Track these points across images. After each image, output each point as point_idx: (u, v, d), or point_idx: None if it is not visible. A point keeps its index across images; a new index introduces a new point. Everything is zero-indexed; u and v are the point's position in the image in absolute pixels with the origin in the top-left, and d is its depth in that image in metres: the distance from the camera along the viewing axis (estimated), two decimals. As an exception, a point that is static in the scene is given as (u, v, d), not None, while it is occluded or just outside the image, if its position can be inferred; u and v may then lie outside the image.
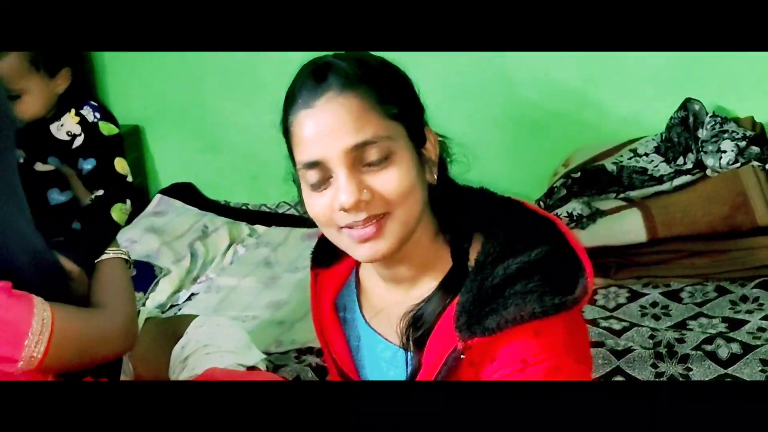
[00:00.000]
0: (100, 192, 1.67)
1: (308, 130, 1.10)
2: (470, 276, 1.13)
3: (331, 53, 1.16)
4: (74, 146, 1.67)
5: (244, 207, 3.33)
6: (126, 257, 1.67)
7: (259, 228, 3.14)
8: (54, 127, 1.66)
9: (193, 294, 2.72)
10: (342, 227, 1.13)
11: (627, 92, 2.96)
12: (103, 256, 1.62)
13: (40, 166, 1.66)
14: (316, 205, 1.14)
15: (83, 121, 1.67)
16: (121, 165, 1.71)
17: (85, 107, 1.68)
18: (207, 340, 1.97)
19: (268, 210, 3.29)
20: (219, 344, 2.01)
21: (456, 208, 1.21)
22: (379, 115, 1.11)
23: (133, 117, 3.45)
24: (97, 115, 1.69)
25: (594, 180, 2.64)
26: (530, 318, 1.07)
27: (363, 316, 1.29)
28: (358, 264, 1.33)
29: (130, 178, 1.73)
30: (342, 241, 1.15)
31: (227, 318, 2.36)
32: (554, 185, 2.70)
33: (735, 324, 2.16)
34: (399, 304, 1.21)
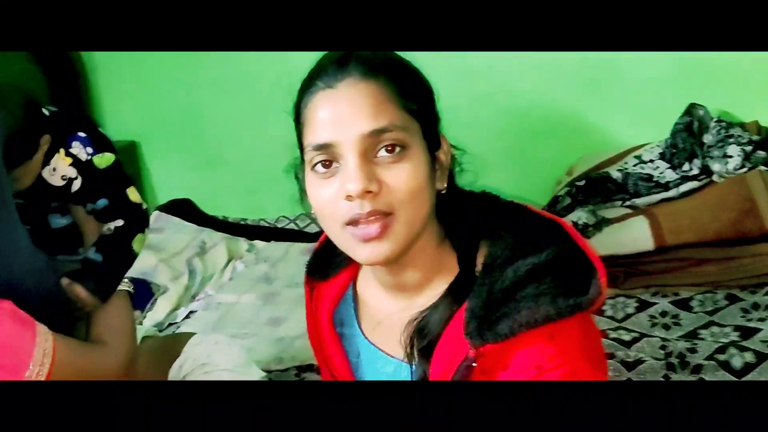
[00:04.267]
0: (120, 222, 1.59)
1: (324, 112, 1.07)
2: (478, 280, 1.08)
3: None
4: (73, 190, 1.54)
5: (242, 222, 3.28)
6: (129, 290, 1.61)
7: (258, 243, 3.09)
8: (46, 173, 1.52)
9: (191, 312, 2.66)
10: (346, 223, 1.07)
11: (629, 98, 2.92)
12: None
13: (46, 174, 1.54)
14: (321, 194, 1.09)
15: (76, 162, 1.53)
16: (134, 195, 1.62)
17: (73, 143, 1.53)
18: (205, 358, 1.92)
19: (267, 225, 3.24)
20: (217, 362, 1.95)
21: (462, 214, 1.16)
22: (397, 106, 1.07)
23: (129, 133, 3.40)
24: (89, 150, 1.54)
25: (599, 188, 2.60)
26: (544, 321, 1.02)
27: (362, 330, 1.23)
28: (355, 276, 1.27)
29: (145, 206, 1.65)
30: (344, 239, 1.10)
31: (226, 335, 2.31)
32: (558, 194, 2.65)
33: (747, 332, 2.11)
34: (401, 314, 1.15)
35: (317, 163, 1.08)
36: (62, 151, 1.53)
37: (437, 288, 1.14)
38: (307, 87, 1.11)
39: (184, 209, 3.28)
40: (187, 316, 2.64)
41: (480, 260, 1.12)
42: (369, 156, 1.06)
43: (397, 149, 1.06)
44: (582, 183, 2.63)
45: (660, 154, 2.71)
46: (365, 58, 1.09)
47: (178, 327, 2.54)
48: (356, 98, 1.06)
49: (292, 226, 3.19)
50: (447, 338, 1.09)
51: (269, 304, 2.64)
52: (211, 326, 2.52)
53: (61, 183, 1.53)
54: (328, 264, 1.27)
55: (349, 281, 1.28)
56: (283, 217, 3.24)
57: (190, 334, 2.03)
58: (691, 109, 2.69)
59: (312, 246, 2.89)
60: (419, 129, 1.09)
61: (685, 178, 2.58)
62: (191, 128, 3.38)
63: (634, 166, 2.70)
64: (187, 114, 3.38)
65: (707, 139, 2.61)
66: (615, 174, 2.65)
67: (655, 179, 2.60)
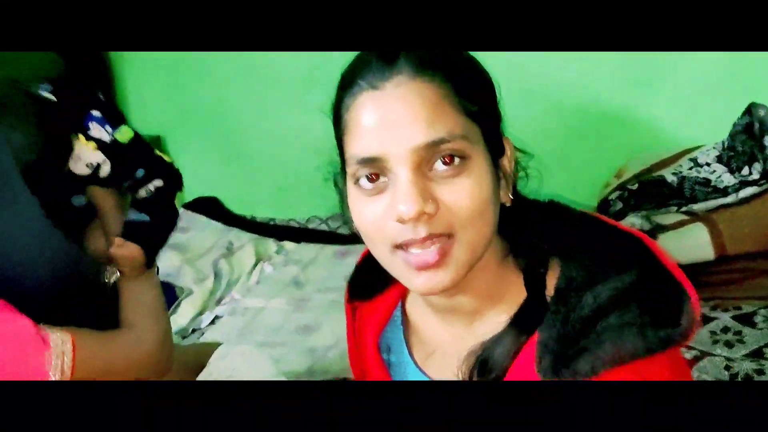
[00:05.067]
0: (159, 183, 1.49)
1: (369, 118, 0.90)
2: (551, 307, 0.93)
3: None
4: (103, 175, 1.43)
5: (270, 222, 3.14)
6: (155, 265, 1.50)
7: (287, 245, 2.95)
8: (71, 164, 1.41)
9: (216, 317, 2.53)
10: (396, 246, 0.92)
11: (682, 97, 2.75)
12: None
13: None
14: (367, 213, 0.93)
15: (102, 145, 1.41)
16: (165, 156, 1.55)
17: (90, 125, 1.41)
18: (231, 372, 1.81)
19: (296, 225, 3.09)
20: (244, 376, 1.83)
21: (528, 228, 1.00)
22: (456, 109, 0.91)
23: (154, 126, 3.27)
24: (108, 128, 1.43)
25: (653, 192, 2.43)
26: (631, 358, 0.87)
27: (413, 358, 1.08)
28: (404, 296, 1.12)
29: (175, 164, 1.57)
30: (395, 265, 0.94)
31: (253, 345, 2.18)
32: (609, 198, 2.49)
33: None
34: (459, 343, 1.00)
35: (361, 177, 0.93)
36: (81, 136, 1.40)
37: (500, 314, 0.98)
38: (348, 86, 0.94)
39: (210, 207, 3.15)
40: (212, 322, 2.51)
41: (551, 283, 0.96)
42: (423, 170, 0.90)
43: (457, 160, 0.90)
44: (635, 187, 2.47)
45: (717, 156, 2.54)
46: (416, 52, 0.93)
47: (203, 334, 2.41)
48: (407, 102, 0.89)
49: (323, 227, 3.05)
50: (515, 374, 0.94)
51: (299, 311, 2.50)
52: (237, 333, 2.39)
53: (87, 171, 1.41)
54: (372, 282, 1.13)
55: (397, 301, 1.12)
56: (315, 217, 3.10)
57: (216, 345, 1.91)
58: (751, 109, 2.51)
59: (345, 249, 2.82)
60: (480, 134, 0.93)
61: (744, 183, 2.41)
62: (219, 122, 3.24)
63: (689, 169, 2.53)
64: (215, 107, 3.24)
65: (769, 141, 2.44)
66: (670, 178, 2.48)
67: (713, 184, 2.43)
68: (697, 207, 2.39)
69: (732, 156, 2.49)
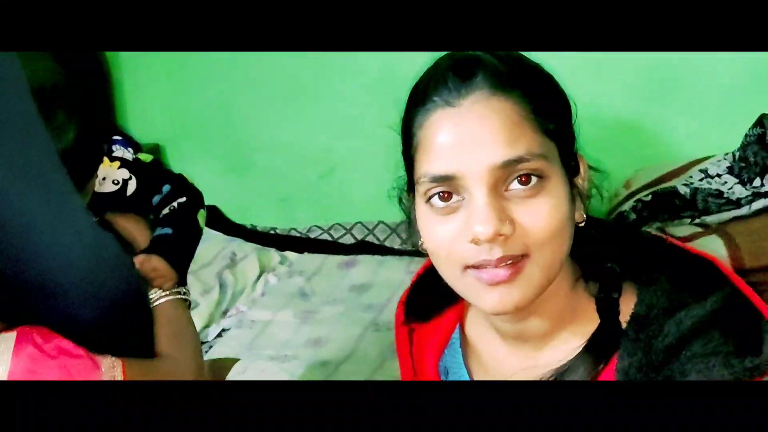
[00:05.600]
0: (183, 199, 1.49)
1: (445, 136, 0.88)
2: (630, 335, 0.90)
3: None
4: (129, 192, 1.46)
5: (272, 231, 3.09)
6: (187, 297, 1.44)
7: (290, 255, 2.90)
8: (95, 184, 1.43)
9: (223, 329, 2.48)
10: (468, 266, 0.89)
11: (691, 107, 2.74)
12: (164, 297, 1.38)
13: None
14: (439, 233, 0.90)
15: (125, 163, 1.46)
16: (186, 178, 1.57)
17: (114, 147, 1.48)
18: (250, 389, 1.75)
19: (298, 235, 3.04)
20: (265, 393, 1.78)
21: (601, 251, 0.97)
22: (533, 128, 0.88)
23: (154, 135, 3.21)
24: (130, 149, 1.50)
25: (666, 203, 2.41)
26: None
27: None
28: (462, 316, 1.09)
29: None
30: (465, 284, 0.91)
31: (264, 359, 2.14)
32: (623, 210, 2.46)
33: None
34: (528, 370, 0.97)
35: (433, 195, 0.90)
36: (105, 159, 1.44)
37: (569, 341, 0.96)
38: (420, 102, 0.92)
39: (210, 217, 3.09)
40: (219, 335, 2.46)
41: (627, 309, 0.93)
42: (499, 190, 0.88)
43: (534, 180, 0.87)
44: (648, 198, 2.44)
45: (728, 168, 2.52)
46: (494, 68, 0.90)
47: (211, 347, 2.36)
48: (485, 120, 0.87)
49: (325, 236, 3.00)
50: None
51: (308, 323, 2.45)
52: (246, 346, 2.34)
53: (115, 187, 1.44)
54: (429, 303, 1.09)
55: (455, 324, 1.09)
56: (316, 226, 3.05)
57: (234, 360, 1.87)
58: (763, 120, 2.50)
59: (349, 259, 2.78)
60: (557, 153, 0.91)
61: (757, 195, 2.39)
62: (219, 131, 3.19)
63: (700, 180, 2.51)
64: (215, 116, 3.19)
65: (781, 152, 2.43)
66: (682, 189, 2.46)
67: (725, 195, 2.41)
68: (710, 219, 2.36)
69: (744, 167, 2.48)
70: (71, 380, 1.06)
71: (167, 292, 1.37)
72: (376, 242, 2.91)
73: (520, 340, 0.99)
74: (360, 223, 2.98)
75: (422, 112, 0.91)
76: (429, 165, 0.89)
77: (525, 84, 0.90)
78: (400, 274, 2.60)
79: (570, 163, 0.93)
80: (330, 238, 3.00)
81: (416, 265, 2.66)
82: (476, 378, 1.04)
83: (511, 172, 0.87)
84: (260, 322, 2.48)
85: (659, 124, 2.76)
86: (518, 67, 0.92)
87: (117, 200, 1.44)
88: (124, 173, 1.44)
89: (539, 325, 0.96)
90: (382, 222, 2.94)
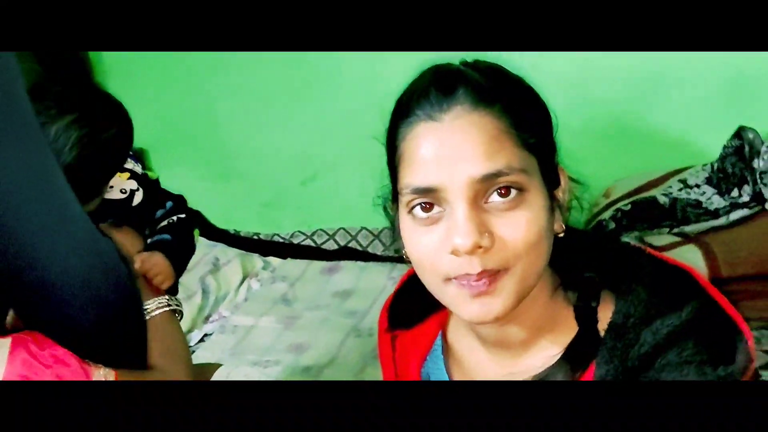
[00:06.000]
0: (182, 215, 1.55)
1: (427, 149, 0.90)
2: (607, 343, 0.92)
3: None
4: (135, 203, 1.50)
5: (255, 237, 3.10)
6: (179, 308, 1.45)
7: (274, 261, 2.92)
8: (104, 194, 1.47)
9: (206, 335, 2.49)
10: (449, 278, 0.91)
11: (670, 118, 2.77)
12: (159, 309, 1.39)
13: None
14: (420, 243, 0.92)
15: (135, 175, 1.50)
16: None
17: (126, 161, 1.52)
18: (233, 394, 1.76)
19: (281, 240, 3.06)
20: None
21: (579, 259, 1.00)
22: (513, 142, 0.90)
23: (137, 140, 3.19)
24: (140, 165, 1.55)
25: (645, 213, 2.44)
26: None
27: None
28: (444, 324, 1.11)
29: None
30: (447, 294, 0.94)
31: (246, 364, 2.15)
32: (603, 219, 2.49)
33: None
34: (507, 376, 0.99)
35: (415, 206, 0.92)
36: None
37: (548, 348, 0.98)
38: (404, 115, 0.94)
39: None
40: (201, 340, 2.47)
41: (605, 317, 0.95)
42: (479, 202, 0.90)
43: (513, 193, 0.89)
44: (627, 207, 2.47)
45: (706, 178, 2.56)
46: (475, 82, 0.92)
47: (193, 352, 2.36)
48: (466, 134, 0.89)
49: (308, 242, 3.01)
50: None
51: (290, 329, 2.47)
52: (229, 352, 2.35)
53: (121, 196, 1.48)
54: (412, 310, 1.11)
55: (438, 331, 1.11)
56: (299, 232, 3.06)
57: (217, 365, 1.87)
58: (741, 132, 2.54)
59: (332, 265, 2.80)
60: (537, 166, 0.93)
61: (735, 206, 2.43)
62: (202, 136, 3.20)
63: (680, 190, 2.55)
64: (199, 121, 3.19)
65: (758, 164, 2.46)
66: (662, 198, 2.49)
67: (704, 206, 2.45)
68: (689, 229, 2.40)
69: (722, 178, 2.52)
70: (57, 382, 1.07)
71: (161, 304, 1.38)
72: (359, 248, 2.93)
73: (501, 347, 1.01)
74: (343, 229, 2.99)
75: (405, 124, 0.93)
76: (411, 177, 0.91)
77: (506, 98, 0.92)
78: (382, 280, 2.62)
79: (550, 175, 0.95)
80: (313, 244, 3.01)
81: (398, 271, 2.68)
82: None
83: (490, 185, 0.89)
84: (243, 328, 2.49)
85: (640, 134, 2.79)
86: (500, 81, 0.94)
87: (122, 208, 1.48)
88: (132, 184, 1.49)
89: (519, 333, 0.98)
90: (365, 228, 2.95)
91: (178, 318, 1.45)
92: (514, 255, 0.90)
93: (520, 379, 0.97)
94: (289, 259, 2.92)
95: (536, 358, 0.98)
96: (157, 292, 1.44)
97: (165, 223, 1.52)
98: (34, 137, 1.07)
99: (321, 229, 3.04)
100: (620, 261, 1.00)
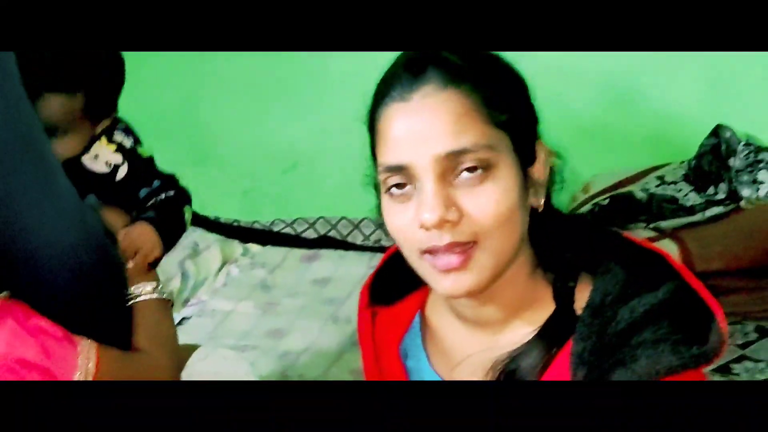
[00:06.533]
0: (171, 192, 1.54)
1: (397, 129, 0.93)
2: (585, 320, 0.95)
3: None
4: (119, 178, 1.47)
5: (235, 223, 3.10)
6: (170, 299, 1.46)
7: (253, 247, 2.92)
8: (87, 159, 1.45)
9: (184, 318, 2.49)
10: (423, 252, 0.94)
11: (649, 115, 2.81)
12: (147, 295, 1.39)
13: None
14: (396, 219, 0.96)
15: (121, 148, 1.48)
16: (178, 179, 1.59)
17: (115, 132, 1.50)
18: (211, 375, 1.77)
19: (261, 228, 3.06)
20: (225, 379, 1.80)
21: (559, 240, 1.02)
22: (482, 120, 0.92)
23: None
24: (131, 138, 1.52)
25: (623, 207, 2.48)
26: (667, 373, 0.90)
27: (431, 364, 1.08)
28: (423, 303, 1.13)
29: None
30: (423, 268, 0.97)
31: (224, 347, 2.15)
32: (581, 213, 2.52)
33: (785, 369, 2.00)
34: (484, 353, 1.01)
35: (391, 185, 0.95)
36: (104, 138, 1.47)
37: (525, 325, 1.00)
38: (380, 96, 0.97)
39: (173, 207, 3.10)
40: (179, 323, 2.46)
41: (581, 296, 0.98)
42: (448, 178, 0.92)
43: (480, 170, 0.92)
44: (605, 202, 2.51)
45: (683, 175, 2.60)
46: (446, 62, 0.94)
47: (171, 335, 2.37)
48: (434, 113, 0.92)
49: (288, 230, 3.02)
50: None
51: (269, 314, 2.48)
52: (207, 335, 2.36)
53: (106, 169, 1.45)
54: (393, 287, 1.13)
55: (418, 307, 1.13)
56: (279, 220, 3.07)
57: (194, 346, 1.88)
58: (718, 131, 2.58)
59: (312, 253, 2.81)
60: (509, 143, 0.95)
61: (710, 203, 2.47)
62: (185, 123, 3.20)
63: (657, 186, 2.59)
64: (180, 108, 3.20)
65: (734, 162, 2.51)
66: (639, 194, 2.53)
67: (680, 202, 2.49)
68: (665, 224, 2.44)
69: (698, 175, 2.56)
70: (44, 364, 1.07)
71: (150, 290, 1.37)
72: (339, 237, 2.94)
73: (479, 325, 1.03)
74: (323, 218, 3.01)
75: (381, 106, 0.96)
76: (385, 156, 0.95)
77: (477, 76, 0.94)
78: (361, 269, 2.63)
79: (525, 151, 0.97)
80: (293, 232, 3.02)
81: (378, 260, 2.69)
82: (433, 360, 1.08)
83: (458, 162, 0.91)
84: (221, 312, 2.50)
85: (618, 130, 2.83)
86: (471, 60, 0.96)
87: (105, 183, 1.45)
88: (118, 158, 1.46)
89: (497, 312, 1.00)
90: (345, 218, 2.97)
91: (170, 307, 1.43)
92: (482, 229, 0.92)
93: (497, 354, 0.99)
94: (268, 246, 2.92)
95: (514, 335, 1.00)
96: (147, 274, 1.43)
97: (152, 202, 1.50)
98: (22, 108, 1.08)
99: (301, 218, 3.05)
100: (599, 243, 1.03)
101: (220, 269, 2.77)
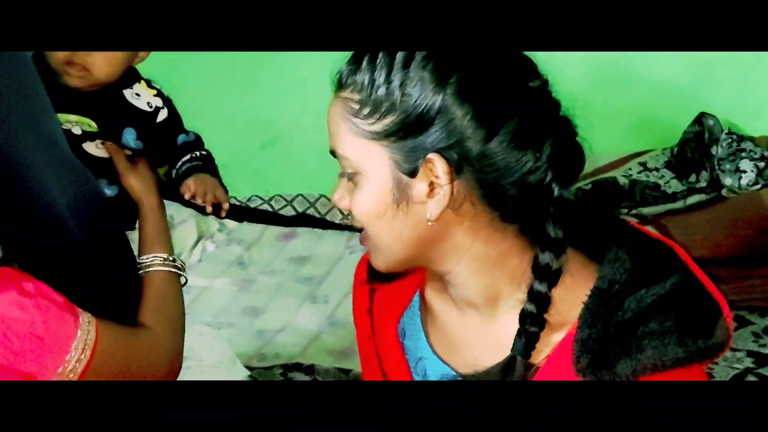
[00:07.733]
0: (205, 152, 1.50)
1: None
2: (590, 306, 0.92)
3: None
4: (159, 119, 1.43)
5: (211, 199, 3.06)
6: (181, 272, 1.35)
7: (229, 223, 2.88)
8: (128, 94, 1.41)
9: (159, 293, 2.45)
10: None
11: (631, 101, 2.80)
12: (158, 267, 1.32)
13: (91, 148, 1.37)
14: None
15: (161, 95, 1.45)
16: None
17: (153, 83, 1.47)
18: (187, 351, 1.72)
19: (237, 203, 3.02)
20: (200, 357, 1.79)
21: (568, 228, 0.99)
22: (350, 129, 0.93)
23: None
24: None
25: (605, 193, 2.47)
26: (672, 365, 0.88)
27: (430, 344, 1.06)
28: (423, 282, 1.10)
29: None
30: None
31: (200, 324, 2.12)
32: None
33: (762, 359, 2.02)
34: (479, 333, 0.99)
35: None
36: (143, 82, 1.43)
37: (514, 298, 0.97)
38: None
39: (148, 180, 3.06)
40: (152, 297, 2.43)
41: (586, 283, 0.95)
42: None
43: (352, 175, 0.94)
44: (588, 187, 2.50)
45: (666, 162, 2.60)
46: (348, 62, 0.93)
47: (145, 309, 2.33)
48: (330, 113, 0.96)
49: (265, 207, 2.98)
50: (548, 370, 0.93)
51: (245, 292, 2.45)
52: (182, 312, 2.32)
53: (147, 109, 1.42)
54: None
55: (417, 287, 1.10)
56: (256, 196, 3.03)
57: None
58: (701, 119, 2.58)
59: (289, 231, 2.77)
60: (387, 153, 0.91)
61: (692, 190, 2.48)
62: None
63: (639, 173, 2.59)
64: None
65: (717, 151, 2.52)
66: (621, 180, 2.53)
67: (662, 189, 2.49)
68: (647, 210, 2.44)
69: (681, 162, 2.56)
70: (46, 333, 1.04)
71: (161, 261, 1.30)
72: (317, 215, 2.91)
73: (470, 306, 1.00)
74: (301, 195, 2.97)
75: None
76: None
77: (360, 81, 0.92)
78: (339, 248, 2.61)
79: (410, 162, 0.91)
80: (270, 209, 2.98)
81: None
82: (432, 340, 1.05)
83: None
84: (196, 288, 2.45)
85: (601, 115, 2.81)
86: (369, 61, 0.92)
87: (147, 120, 1.41)
88: (158, 101, 1.43)
89: (477, 292, 0.97)
90: (324, 195, 2.93)
91: (181, 283, 1.36)
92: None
93: (496, 335, 0.96)
94: (245, 222, 2.88)
95: (510, 315, 0.97)
96: (161, 244, 1.37)
97: (189, 156, 1.47)
98: (35, 87, 1.12)
99: (279, 195, 3.01)
100: (605, 230, 1.00)
101: (195, 245, 2.73)
